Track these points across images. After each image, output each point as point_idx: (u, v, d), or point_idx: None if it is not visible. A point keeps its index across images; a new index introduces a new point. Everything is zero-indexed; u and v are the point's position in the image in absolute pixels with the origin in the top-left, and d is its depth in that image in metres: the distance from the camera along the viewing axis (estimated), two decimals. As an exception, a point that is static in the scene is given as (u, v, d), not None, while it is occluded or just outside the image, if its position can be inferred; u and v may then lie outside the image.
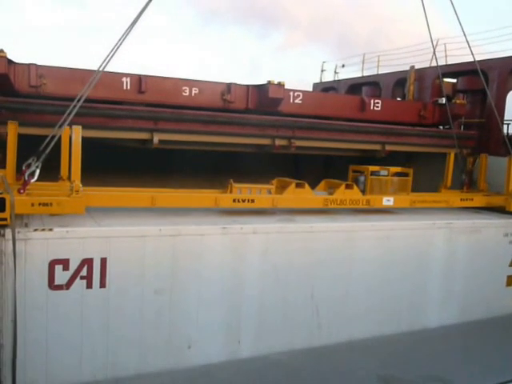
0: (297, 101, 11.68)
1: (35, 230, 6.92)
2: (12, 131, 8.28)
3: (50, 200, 7.43)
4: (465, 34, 11.34)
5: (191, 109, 10.44)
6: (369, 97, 13.47)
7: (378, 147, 12.37)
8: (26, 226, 7.04)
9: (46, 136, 7.64)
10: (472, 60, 13.56)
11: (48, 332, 7.08)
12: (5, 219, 6.81)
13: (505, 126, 13.96)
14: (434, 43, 14.35)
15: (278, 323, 8.68)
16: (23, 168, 7.56)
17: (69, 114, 7.64)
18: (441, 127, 13.91)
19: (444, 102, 14.10)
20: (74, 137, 7.93)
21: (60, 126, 7.66)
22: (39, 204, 7.32)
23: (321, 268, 8.94)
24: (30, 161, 7.51)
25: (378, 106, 12.67)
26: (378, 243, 9.45)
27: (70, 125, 7.88)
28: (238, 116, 10.89)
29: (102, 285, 7.36)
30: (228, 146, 11.13)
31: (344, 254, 9.16)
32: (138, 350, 7.70)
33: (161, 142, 10.13)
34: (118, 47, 7.76)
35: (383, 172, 10.79)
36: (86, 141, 8.08)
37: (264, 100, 11.08)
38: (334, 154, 12.63)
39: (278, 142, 11.25)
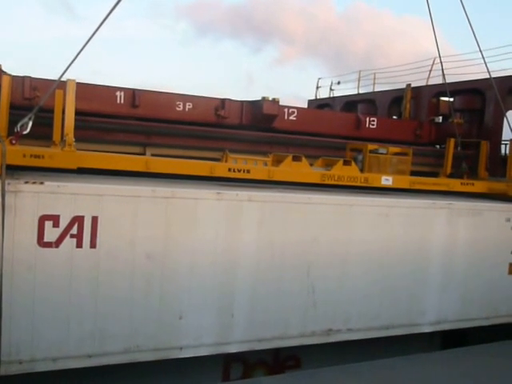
0: (291, 117, 12.08)
1: (26, 182, 7.05)
2: (6, 82, 8.40)
3: (42, 152, 7.62)
4: (481, 50, 11.66)
5: (185, 124, 10.87)
6: (364, 114, 13.87)
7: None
8: (17, 179, 7.17)
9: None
10: (470, 79, 14.14)
11: (35, 291, 7.15)
12: None
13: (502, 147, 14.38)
14: (431, 62, 14.97)
15: (272, 297, 8.78)
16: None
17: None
18: (437, 146, 14.35)
19: (440, 120, 14.60)
20: (68, 90, 8.04)
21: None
22: (31, 155, 7.50)
23: (318, 243, 9.05)
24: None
25: (373, 124, 13.11)
26: (377, 220, 9.60)
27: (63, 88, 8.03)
28: (232, 132, 11.32)
29: (93, 245, 7.41)
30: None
31: (342, 230, 9.28)
32: (127, 316, 7.75)
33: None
34: (82, 49, 7.78)
35: (382, 150, 10.99)
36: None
37: (258, 116, 11.52)
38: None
39: (271, 159, 11.62)
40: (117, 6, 7.79)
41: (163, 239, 7.91)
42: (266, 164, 9.61)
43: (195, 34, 63.88)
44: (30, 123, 7.65)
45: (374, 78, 17.73)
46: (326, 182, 9.93)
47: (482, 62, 11.84)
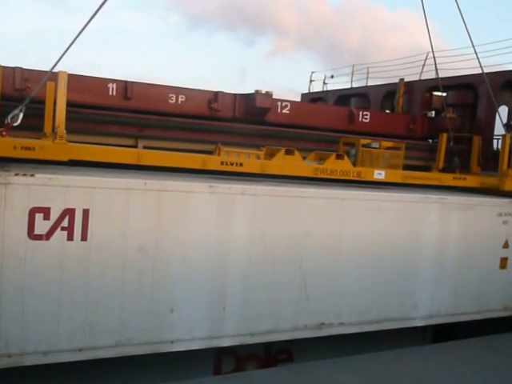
0: (284, 111, 12.05)
1: (16, 174, 7.02)
2: None
3: (33, 144, 7.58)
4: (473, 46, 11.64)
5: (177, 116, 10.81)
6: (357, 108, 13.86)
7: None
8: (7, 171, 7.14)
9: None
10: (463, 74, 14.14)
11: (25, 284, 7.12)
12: None
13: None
14: (424, 56, 14.97)
15: (264, 291, 8.80)
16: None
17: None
18: (430, 141, 14.37)
19: (433, 115, 14.61)
20: (59, 82, 8.00)
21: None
22: (21, 147, 7.45)
23: (310, 237, 9.07)
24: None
25: (366, 118, 13.10)
26: (370, 214, 9.63)
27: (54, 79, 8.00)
28: (225, 125, 11.27)
29: (84, 238, 7.39)
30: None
31: (334, 224, 9.31)
32: (118, 310, 7.74)
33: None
34: (74, 41, 7.75)
35: (375, 144, 11.06)
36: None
37: (251, 109, 11.46)
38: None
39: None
40: None
41: (155, 232, 7.89)
42: (258, 157, 9.60)
43: (188, 27, 63.74)
44: (21, 115, 7.63)
45: (368, 72, 17.75)
46: (319, 175, 9.92)
47: (475, 57, 11.86)
